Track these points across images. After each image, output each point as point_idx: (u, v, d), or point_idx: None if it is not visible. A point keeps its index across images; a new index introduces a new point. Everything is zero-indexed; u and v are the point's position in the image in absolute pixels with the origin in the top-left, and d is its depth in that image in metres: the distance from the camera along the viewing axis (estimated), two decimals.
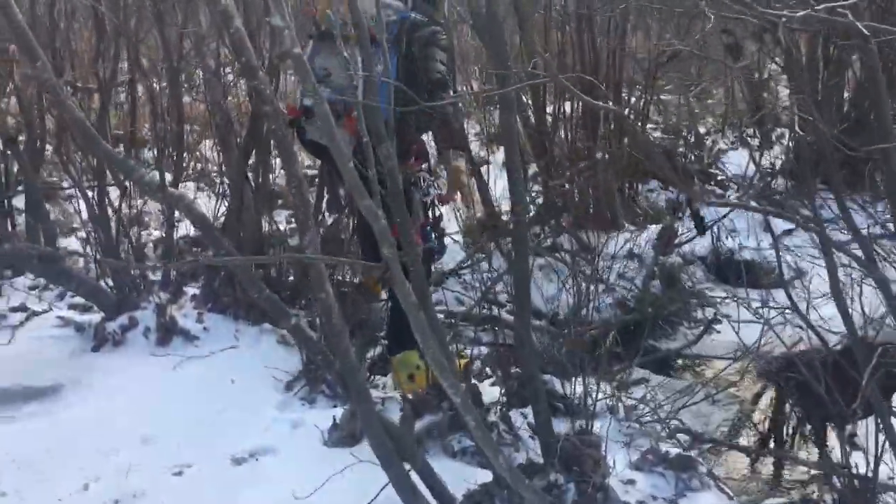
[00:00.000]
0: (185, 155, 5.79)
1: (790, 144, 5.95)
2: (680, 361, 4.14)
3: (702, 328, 4.17)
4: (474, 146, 7.00)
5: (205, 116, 5.22)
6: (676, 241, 4.79)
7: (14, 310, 3.71)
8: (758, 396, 3.85)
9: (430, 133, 3.30)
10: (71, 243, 4.62)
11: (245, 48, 1.82)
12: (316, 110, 1.51)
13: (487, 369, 3.61)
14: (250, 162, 3.83)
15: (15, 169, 4.15)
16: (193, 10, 3.69)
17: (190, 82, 5.15)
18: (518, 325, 2.42)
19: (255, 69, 1.86)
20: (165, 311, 3.51)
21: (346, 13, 2.68)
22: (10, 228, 4.06)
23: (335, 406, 2.99)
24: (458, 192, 3.36)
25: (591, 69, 4.55)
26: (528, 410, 2.77)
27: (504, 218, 4.90)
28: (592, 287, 3.95)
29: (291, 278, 3.89)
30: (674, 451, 2.70)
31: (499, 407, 2.93)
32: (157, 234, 4.91)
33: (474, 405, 2.72)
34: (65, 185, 4.98)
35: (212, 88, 3.77)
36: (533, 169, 5.51)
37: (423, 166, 3.23)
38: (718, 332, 4.15)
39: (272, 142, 3.60)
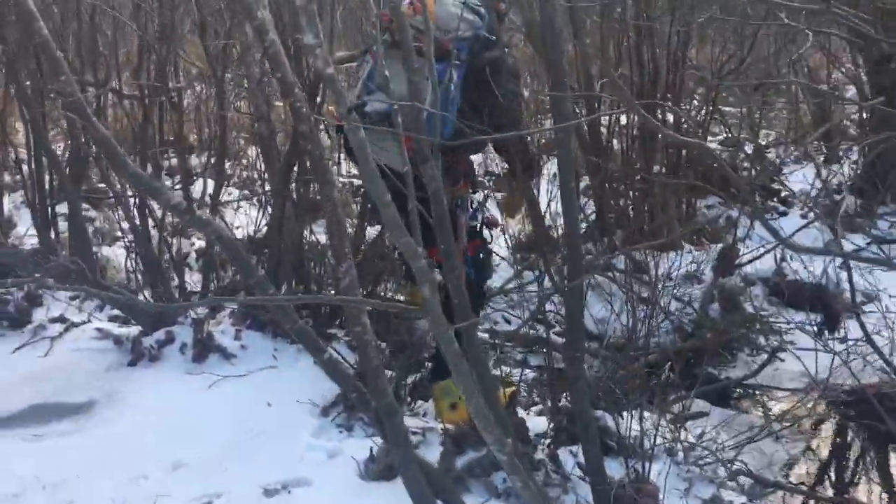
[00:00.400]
0: (228, 162, 5.79)
1: (859, 160, 5.66)
2: (740, 390, 3.89)
3: (765, 357, 3.91)
4: None
5: (250, 124, 5.15)
6: (737, 261, 4.53)
7: (53, 320, 3.66)
8: (818, 424, 3.61)
9: (500, 154, 3.21)
10: (114, 252, 4.58)
11: (281, 63, 1.68)
12: (350, 137, 1.35)
13: (535, 396, 3.45)
14: (293, 172, 3.72)
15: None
16: (240, 18, 3.59)
17: (235, 91, 5.08)
18: (569, 357, 2.24)
19: (292, 86, 1.73)
20: (203, 326, 3.41)
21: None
22: (53, 236, 4.02)
23: (373, 435, 2.85)
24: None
25: (651, 80, 4.33)
26: (578, 448, 2.59)
27: (554, 234, 4.71)
28: (647, 310, 3.76)
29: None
30: (738, 501, 2.48)
31: (546, 442, 2.75)
32: (199, 244, 4.83)
33: (519, 440, 2.55)
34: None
35: (256, 98, 3.66)
36: (585, 182, 5.32)
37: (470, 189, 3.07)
38: (783, 360, 3.89)
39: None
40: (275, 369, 3.27)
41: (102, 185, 5.25)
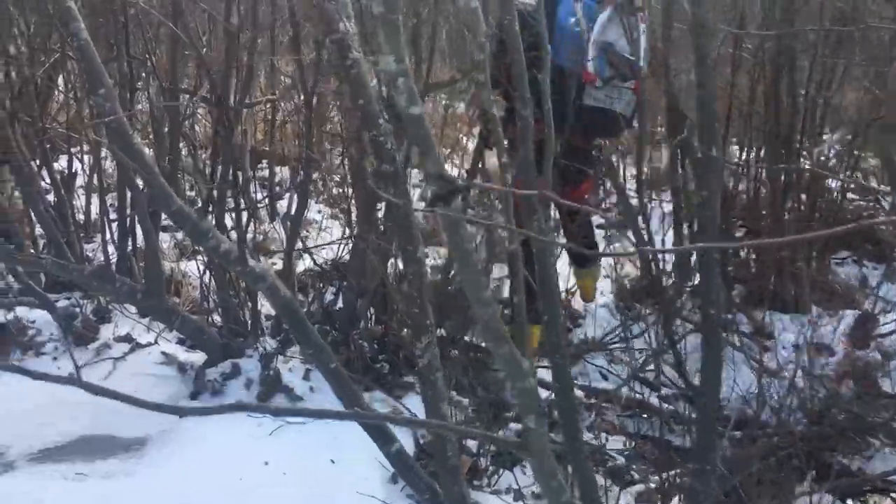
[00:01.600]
0: (317, 175, 5.56)
1: None
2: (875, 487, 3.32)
3: None
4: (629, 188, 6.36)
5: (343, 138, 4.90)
6: (876, 331, 3.94)
7: (119, 339, 3.45)
8: None
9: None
10: (191, 268, 4.38)
11: (363, 87, 1.35)
12: (443, 222, 0.98)
13: (633, 472, 3.01)
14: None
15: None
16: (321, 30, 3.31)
17: (329, 105, 4.84)
18: (698, 469, 1.80)
19: (375, 117, 1.39)
20: (271, 362, 3.13)
21: None
22: (130, 247, 3.84)
23: None
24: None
25: (788, 121, 3.82)
26: None
27: (664, 281, 4.25)
28: (769, 381, 3.28)
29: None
30: None
31: None
32: (280, 264, 4.59)
33: None
34: None
35: (349, 118, 3.38)
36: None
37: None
38: None
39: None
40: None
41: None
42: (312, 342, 1.78)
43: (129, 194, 3.74)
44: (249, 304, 3.58)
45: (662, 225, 4.69)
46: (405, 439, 2.78)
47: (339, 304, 3.67)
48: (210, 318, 3.74)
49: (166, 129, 3.72)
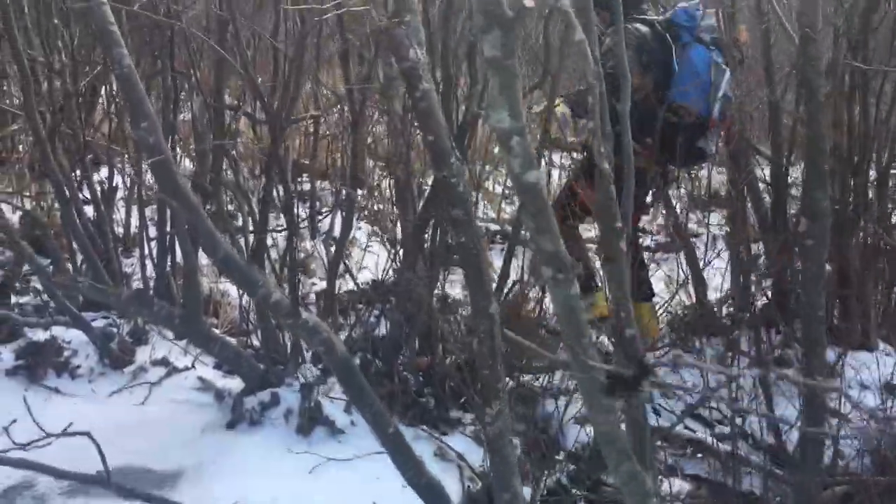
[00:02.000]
0: (361, 192, 5.45)
1: None
2: None
3: None
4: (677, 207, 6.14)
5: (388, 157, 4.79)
6: None
7: (156, 363, 3.35)
8: None
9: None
10: (230, 288, 4.28)
11: (434, 121, 1.21)
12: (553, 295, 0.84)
13: None
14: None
15: None
16: (384, 53, 3.18)
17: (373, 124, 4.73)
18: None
19: (447, 154, 1.25)
20: (312, 392, 3.00)
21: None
22: (170, 267, 3.74)
23: None
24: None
25: (861, 142, 3.61)
26: None
27: (719, 311, 4.05)
28: (837, 424, 3.08)
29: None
30: None
31: None
32: (321, 284, 4.47)
33: None
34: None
35: (395, 139, 3.25)
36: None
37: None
38: None
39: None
40: (386, 457, 2.79)
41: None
42: (370, 406, 1.64)
43: (169, 211, 3.65)
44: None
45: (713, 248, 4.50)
46: (449, 483, 2.64)
47: (382, 329, 3.54)
48: (248, 341, 3.63)
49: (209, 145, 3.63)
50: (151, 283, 3.79)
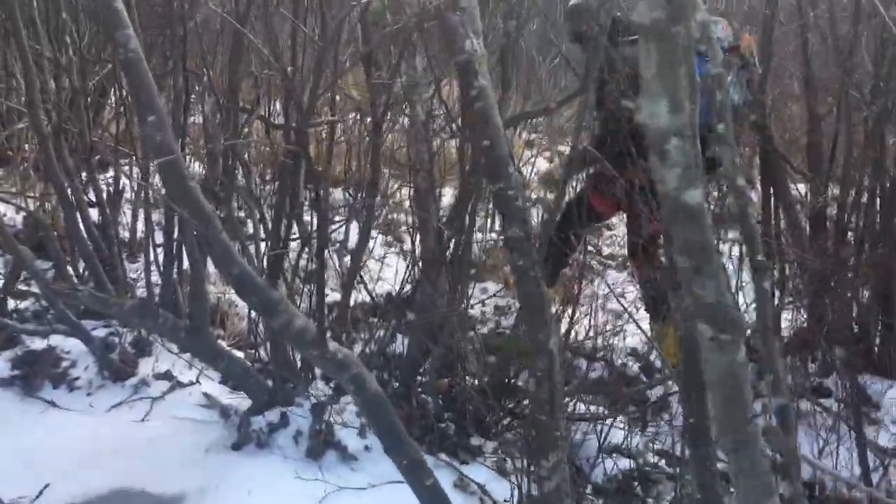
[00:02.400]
0: (378, 199, 5.26)
1: None
2: None
3: None
4: None
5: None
6: None
7: (158, 377, 3.17)
8: None
9: None
10: (237, 297, 4.10)
11: (489, 121, 1.02)
12: None
13: None
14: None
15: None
16: (410, 51, 3.01)
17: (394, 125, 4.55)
18: None
19: (504, 162, 1.07)
20: (323, 413, 2.81)
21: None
22: (176, 274, 3.56)
23: None
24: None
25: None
26: None
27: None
28: (877, 459, 2.89)
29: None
30: None
31: None
32: (334, 295, 4.29)
33: None
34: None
35: (416, 145, 3.08)
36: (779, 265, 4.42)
37: None
38: None
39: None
40: (403, 486, 2.60)
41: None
42: (406, 454, 1.45)
43: (177, 216, 3.48)
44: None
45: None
46: None
47: (397, 345, 3.37)
48: (256, 354, 3.46)
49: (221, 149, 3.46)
50: (157, 291, 3.62)
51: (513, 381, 2.92)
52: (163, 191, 3.85)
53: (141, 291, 3.99)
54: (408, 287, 4.23)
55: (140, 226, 4.79)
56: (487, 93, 1.10)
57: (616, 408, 3.14)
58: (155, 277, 3.95)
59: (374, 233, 5.28)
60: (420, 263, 3.33)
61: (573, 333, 3.33)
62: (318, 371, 3.26)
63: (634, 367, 3.82)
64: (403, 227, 5.67)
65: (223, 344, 2.99)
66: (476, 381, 2.88)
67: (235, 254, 1.39)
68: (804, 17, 3.44)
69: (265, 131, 3.86)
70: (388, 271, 4.59)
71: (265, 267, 3.08)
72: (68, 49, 3.64)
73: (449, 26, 1.09)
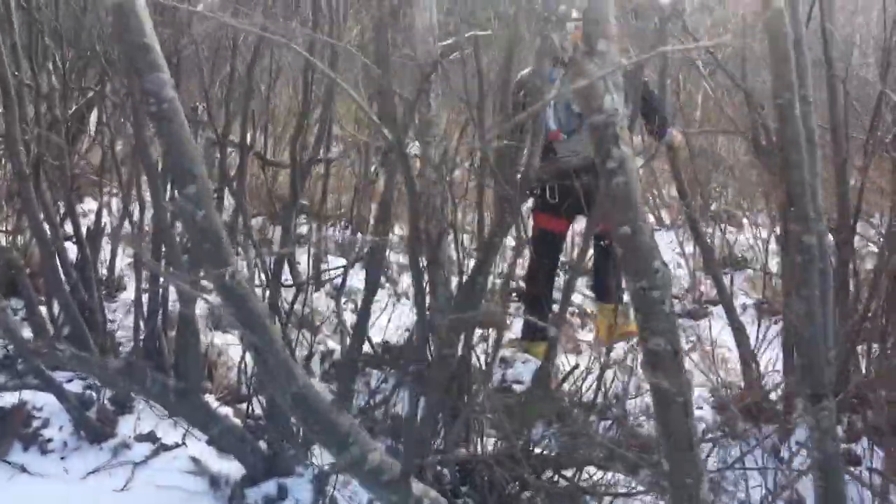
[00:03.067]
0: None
1: None
2: None
3: None
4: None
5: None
6: None
7: (140, 438, 2.87)
8: None
9: None
10: (228, 339, 3.82)
11: (630, 203, 0.80)
12: None
13: None
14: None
15: None
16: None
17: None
18: None
19: (649, 255, 0.85)
20: (326, 483, 2.55)
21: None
22: (160, 323, 3.28)
23: None
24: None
25: None
26: None
27: (772, 395, 3.65)
28: None
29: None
30: None
31: None
32: (331, 344, 4.03)
33: None
34: None
35: (427, 190, 2.86)
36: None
37: None
38: None
39: None
40: None
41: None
42: None
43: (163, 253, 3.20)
44: None
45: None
46: None
47: (400, 401, 3.12)
48: (250, 409, 3.19)
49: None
50: (140, 337, 3.34)
51: (533, 448, 2.68)
52: (148, 228, 3.61)
53: (120, 335, 3.71)
54: (404, 335, 3.99)
55: (119, 262, 4.51)
56: (629, 165, 0.88)
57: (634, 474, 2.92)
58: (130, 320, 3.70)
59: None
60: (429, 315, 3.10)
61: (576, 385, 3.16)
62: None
63: (649, 425, 3.59)
64: (395, 268, 5.45)
65: (212, 400, 2.71)
66: (497, 448, 2.64)
67: (296, 367, 1.14)
68: (832, 67, 3.28)
69: (261, 168, 3.61)
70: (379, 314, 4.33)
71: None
72: (51, 76, 3.38)
73: (583, 75, 0.86)
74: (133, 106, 2.59)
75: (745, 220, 6.63)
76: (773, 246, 5.02)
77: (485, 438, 2.68)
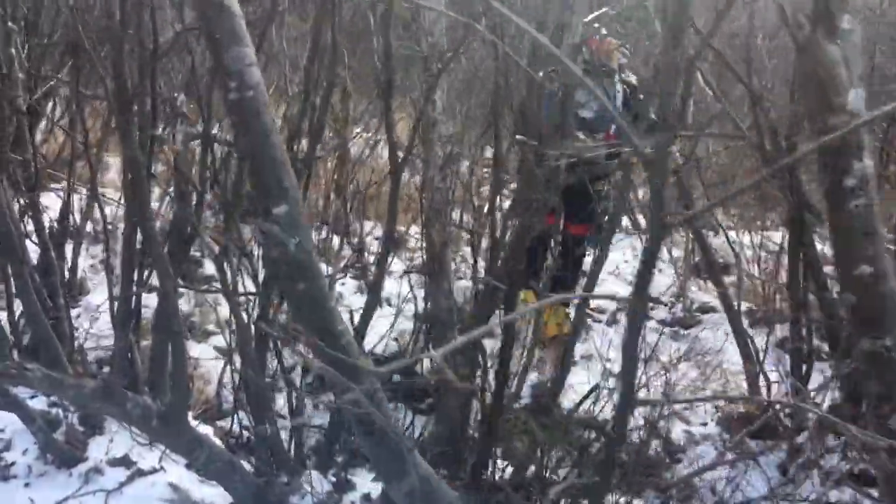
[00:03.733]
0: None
1: None
2: None
3: None
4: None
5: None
6: None
7: (114, 463, 2.60)
8: None
9: None
10: (205, 352, 3.57)
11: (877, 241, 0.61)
12: None
13: None
14: None
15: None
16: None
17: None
18: None
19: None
20: None
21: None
22: (132, 332, 3.01)
23: None
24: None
25: None
26: None
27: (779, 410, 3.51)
28: None
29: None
30: None
31: None
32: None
33: None
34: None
35: (432, 192, 2.66)
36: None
37: None
38: None
39: None
40: None
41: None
42: None
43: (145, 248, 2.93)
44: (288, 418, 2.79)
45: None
46: None
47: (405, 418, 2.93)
48: (232, 427, 2.96)
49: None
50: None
51: (548, 474, 2.49)
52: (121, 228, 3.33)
53: (87, 345, 3.43)
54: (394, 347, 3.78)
55: (82, 262, 4.21)
56: (873, 184, 0.69)
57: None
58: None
59: (345, 278, 4.81)
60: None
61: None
62: (308, 452, 2.77)
63: (654, 443, 3.42)
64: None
65: (201, 431, 2.46)
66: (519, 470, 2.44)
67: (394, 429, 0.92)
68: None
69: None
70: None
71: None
72: (12, 63, 3.07)
73: (822, 64, 0.66)
74: (116, 93, 2.32)
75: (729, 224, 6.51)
76: (761, 253, 4.92)
77: (498, 462, 2.48)
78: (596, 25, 4.08)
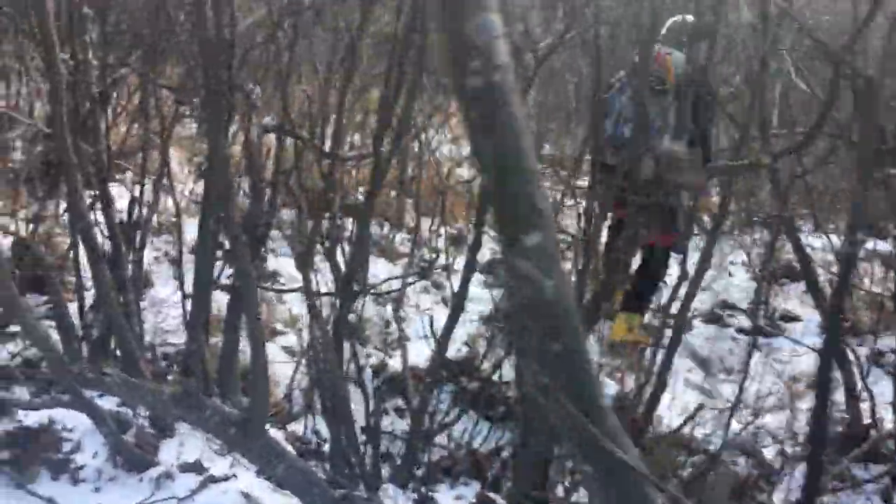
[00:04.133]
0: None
1: None
2: None
3: None
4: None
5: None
6: None
7: (185, 468, 2.50)
8: None
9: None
10: (274, 352, 3.44)
11: None
12: None
13: None
14: None
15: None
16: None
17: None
18: None
19: None
20: None
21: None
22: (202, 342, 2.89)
23: None
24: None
25: None
26: None
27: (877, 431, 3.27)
28: None
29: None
30: None
31: None
32: (378, 355, 3.66)
33: None
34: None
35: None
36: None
37: None
38: None
39: None
40: None
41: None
42: None
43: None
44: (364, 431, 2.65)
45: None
46: None
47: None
48: (306, 433, 2.85)
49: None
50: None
51: None
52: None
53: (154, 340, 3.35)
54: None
55: (147, 253, 4.15)
56: None
57: None
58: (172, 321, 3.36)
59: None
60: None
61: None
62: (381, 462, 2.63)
63: (741, 460, 3.21)
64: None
65: (282, 442, 2.34)
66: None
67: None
68: None
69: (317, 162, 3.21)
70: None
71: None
72: (87, 49, 2.98)
73: None
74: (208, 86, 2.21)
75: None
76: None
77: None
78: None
